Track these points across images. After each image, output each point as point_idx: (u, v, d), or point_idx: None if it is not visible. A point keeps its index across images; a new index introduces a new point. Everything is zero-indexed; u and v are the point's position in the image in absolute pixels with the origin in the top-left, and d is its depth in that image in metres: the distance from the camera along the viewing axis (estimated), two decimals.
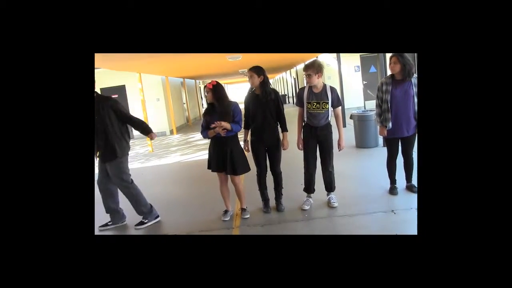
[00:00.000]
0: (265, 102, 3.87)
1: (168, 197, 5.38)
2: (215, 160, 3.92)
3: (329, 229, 3.60)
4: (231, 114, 3.77)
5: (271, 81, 34.80)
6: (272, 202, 4.23)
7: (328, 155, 3.98)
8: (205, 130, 3.86)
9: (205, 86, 3.84)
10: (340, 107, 3.94)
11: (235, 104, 3.86)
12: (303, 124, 3.98)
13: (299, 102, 3.97)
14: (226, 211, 4.20)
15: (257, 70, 3.86)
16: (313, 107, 3.83)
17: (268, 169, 4.11)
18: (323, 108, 3.81)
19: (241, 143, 4.01)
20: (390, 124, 3.95)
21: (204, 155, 8.33)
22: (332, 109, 3.88)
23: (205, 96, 3.88)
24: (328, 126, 3.92)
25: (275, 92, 3.96)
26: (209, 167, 4.04)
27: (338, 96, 3.91)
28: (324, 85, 3.87)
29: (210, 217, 4.25)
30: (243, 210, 4.18)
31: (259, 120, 3.92)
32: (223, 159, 3.86)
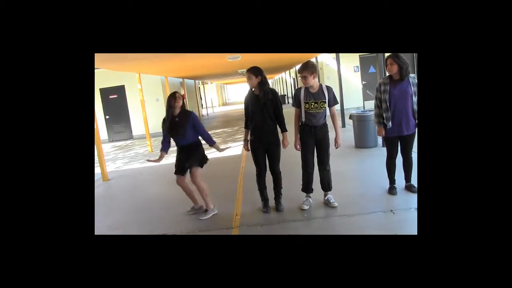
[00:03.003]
0: (264, 103, 3.89)
1: (168, 196, 5.38)
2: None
3: (328, 228, 3.61)
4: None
5: (270, 81, 34.88)
6: (271, 202, 4.24)
7: (326, 154, 4.01)
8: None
9: (174, 97, 4.05)
10: (335, 106, 3.98)
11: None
12: (301, 124, 4.00)
13: (296, 103, 4.00)
14: (206, 210, 4.30)
15: (254, 71, 3.89)
16: (311, 107, 3.85)
17: (268, 169, 4.12)
18: (321, 107, 3.85)
19: (241, 142, 4.06)
20: (390, 123, 3.97)
21: None
22: (328, 108, 3.91)
23: (172, 106, 4.09)
24: (325, 125, 3.96)
25: (273, 92, 3.99)
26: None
27: (334, 95, 3.95)
28: (320, 85, 3.91)
29: (209, 217, 4.24)
30: (206, 210, 4.29)
31: (257, 120, 3.94)
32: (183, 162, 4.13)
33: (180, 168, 4.17)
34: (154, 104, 13.25)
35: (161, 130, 4.29)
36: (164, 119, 4.18)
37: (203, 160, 4.19)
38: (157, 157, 4.21)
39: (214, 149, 4.27)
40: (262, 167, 4.08)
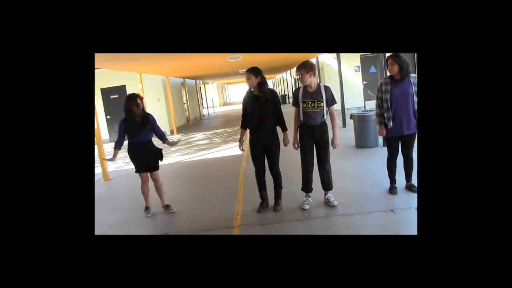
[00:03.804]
0: (263, 103, 3.90)
1: (168, 196, 5.38)
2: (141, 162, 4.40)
3: (329, 228, 3.61)
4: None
5: (271, 81, 34.90)
6: (271, 202, 4.24)
7: (325, 154, 4.01)
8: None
9: (137, 97, 4.23)
10: (334, 106, 3.99)
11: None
12: (299, 123, 4.01)
13: (295, 102, 4.03)
14: (147, 208, 4.58)
15: (254, 71, 3.91)
16: (309, 106, 3.87)
17: (268, 169, 4.13)
18: (318, 106, 3.86)
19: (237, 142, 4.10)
20: (391, 123, 3.98)
21: (205, 155, 8.33)
22: (327, 108, 3.92)
23: (135, 109, 4.25)
24: (324, 124, 3.97)
25: (272, 92, 4.01)
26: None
27: (332, 94, 3.95)
28: (318, 84, 3.93)
29: (210, 217, 4.26)
30: (167, 206, 4.59)
31: (257, 120, 3.95)
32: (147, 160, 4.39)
33: (144, 167, 4.43)
34: (155, 104, 13.26)
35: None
36: (125, 119, 4.33)
37: (158, 159, 4.49)
38: (111, 156, 4.42)
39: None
40: (261, 167, 4.09)
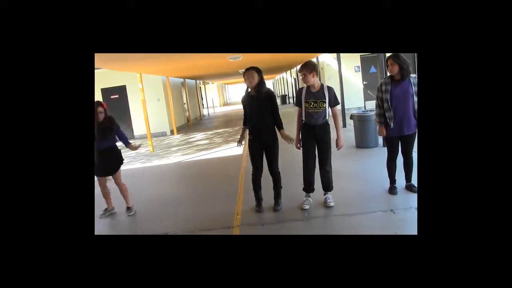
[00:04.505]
0: (261, 103, 3.92)
1: (169, 196, 5.39)
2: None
3: (329, 228, 3.61)
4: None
5: (271, 81, 34.88)
6: (271, 202, 4.24)
7: (326, 154, 4.01)
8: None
9: (98, 105, 4.36)
10: (337, 106, 4.00)
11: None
12: (302, 123, 4.01)
13: (298, 102, 4.03)
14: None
15: (257, 70, 3.93)
16: (311, 106, 3.88)
17: (267, 169, 4.13)
18: (320, 107, 3.86)
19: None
20: (392, 123, 3.98)
21: (205, 154, 8.33)
22: (330, 108, 3.93)
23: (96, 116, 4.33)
24: (326, 125, 3.96)
25: (269, 92, 4.01)
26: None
27: (335, 95, 3.95)
28: (322, 85, 3.94)
29: (210, 217, 4.26)
30: (128, 208, 4.67)
31: (255, 120, 3.97)
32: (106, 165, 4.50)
33: (103, 171, 4.50)
34: (155, 104, 13.26)
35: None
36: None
37: (121, 161, 4.66)
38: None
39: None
40: (259, 167, 4.10)
